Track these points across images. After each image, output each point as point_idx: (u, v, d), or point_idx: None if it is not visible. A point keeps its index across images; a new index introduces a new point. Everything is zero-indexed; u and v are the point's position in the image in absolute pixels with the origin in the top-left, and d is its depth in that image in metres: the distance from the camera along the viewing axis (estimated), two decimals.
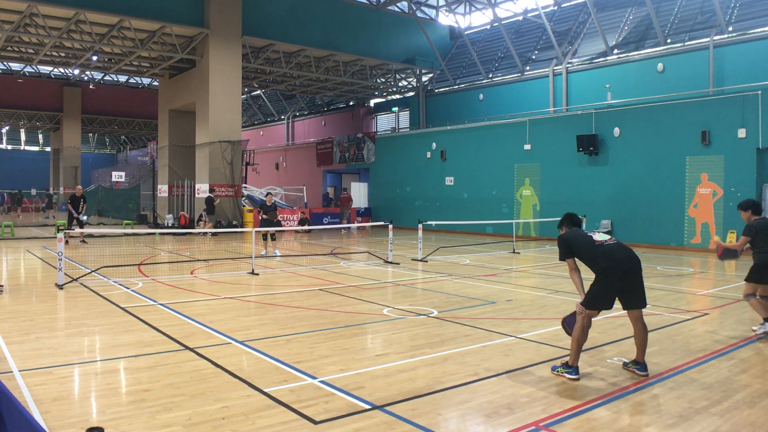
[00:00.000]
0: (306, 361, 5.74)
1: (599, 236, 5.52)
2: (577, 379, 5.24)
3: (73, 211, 18.24)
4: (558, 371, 5.38)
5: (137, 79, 41.92)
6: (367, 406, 4.53)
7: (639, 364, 5.45)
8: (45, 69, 39.60)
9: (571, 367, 5.31)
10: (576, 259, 5.55)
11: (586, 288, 5.43)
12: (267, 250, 15.64)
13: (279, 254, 15.74)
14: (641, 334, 5.45)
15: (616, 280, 5.26)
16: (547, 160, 22.52)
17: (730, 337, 6.97)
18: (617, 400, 4.78)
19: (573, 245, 5.54)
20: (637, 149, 19.68)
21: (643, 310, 5.49)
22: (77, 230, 16.83)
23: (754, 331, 7.02)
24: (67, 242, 16.45)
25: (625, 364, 5.62)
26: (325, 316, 7.98)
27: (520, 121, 23.91)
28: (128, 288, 10.05)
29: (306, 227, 23.07)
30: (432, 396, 4.80)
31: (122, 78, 41.72)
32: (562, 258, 5.60)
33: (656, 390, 5.02)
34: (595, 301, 5.32)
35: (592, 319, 5.47)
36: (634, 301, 5.38)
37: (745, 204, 7.26)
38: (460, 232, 24.94)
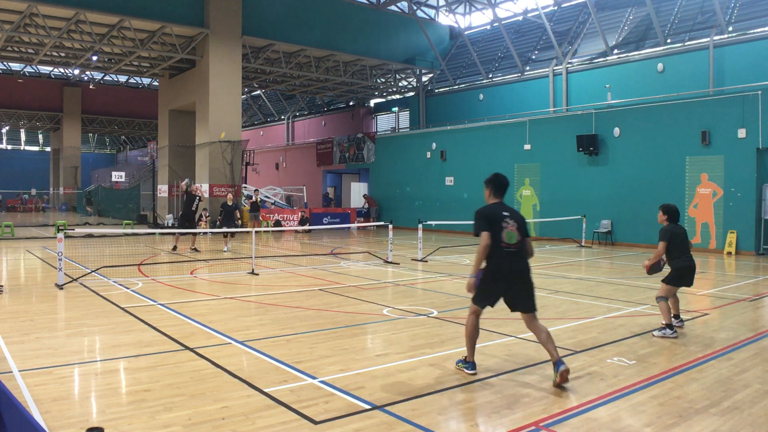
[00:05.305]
0: (306, 361, 5.74)
1: (508, 235, 5.18)
2: (475, 374, 5.32)
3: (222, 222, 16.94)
4: (458, 366, 5.48)
5: (137, 79, 41.94)
6: (367, 406, 4.53)
7: (557, 360, 5.10)
8: (45, 69, 39.61)
9: (468, 362, 5.41)
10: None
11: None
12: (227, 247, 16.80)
13: (227, 250, 16.62)
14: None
15: (502, 282, 5.20)
16: (547, 160, 22.52)
17: (730, 337, 6.97)
18: (617, 400, 4.78)
19: (491, 223, 5.21)
20: (637, 149, 19.68)
21: (645, 309, 5.48)
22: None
23: (654, 335, 6.92)
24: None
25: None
26: (325, 316, 7.98)
27: (520, 121, 23.91)
28: (128, 288, 10.05)
29: (306, 227, 23.06)
30: (432, 396, 4.80)
31: (122, 78, 41.73)
32: (477, 232, 5.24)
33: (656, 390, 5.02)
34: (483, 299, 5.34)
35: (592, 321, 5.44)
36: (524, 304, 5.29)
37: (666, 208, 7.20)
38: (460, 232, 24.93)
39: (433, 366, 5.63)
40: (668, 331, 6.87)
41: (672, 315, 7.21)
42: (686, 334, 7.11)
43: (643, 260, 7.42)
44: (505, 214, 5.28)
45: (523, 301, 5.28)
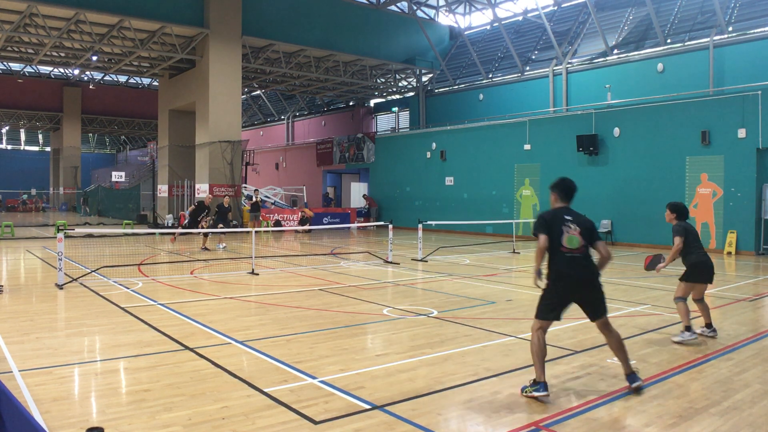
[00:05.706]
0: (306, 361, 5.74)
1: (569, 240, 4.97)
2: (548, 395, 4.71)
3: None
4: (527, 391, 4.81)
5: (137, 79, 41.92)
6: (367, 406, 4.53)
7: (629, 374, 5.01)
8: (45, 69, 39.60)
9: (538, 383, 4.77)
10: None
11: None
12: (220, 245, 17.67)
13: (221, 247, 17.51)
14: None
15: (566, 291, 4.97)
16: (547, 160, 22.52)
17: (730, 337, 6.97)
18: (617, 400, 4.78)
19: (551, 226, 5.04)
20: (637, 149, 19.68)
21: (645, 309, 5.45)
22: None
23: (673, 341, 6.70)
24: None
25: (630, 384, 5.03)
26: (325, 316, 7.98)
27: (520, 121, 23.91)
28: (128, 288, 10.05)
29: (307, 227, 23.04)
30: (432, 396, 4.80)
31: (122, 78, 41.72)
32: (535, 234, 5.09)
33: (656, 390, 5.02)
34: (547, 311, 5.02)
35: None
36: (593, 311, 5.07)
37: (674, 206, 7.06)
38: (460, 232, 24.94)
39: (433, 366, 5.63)
40: (686, 334, 6.64)
41: (705, 323, 6.95)
42: None
43: (656, 264, 7.20)
44: (568, 218, 5.06)
45: (589, 308, 5.06)
